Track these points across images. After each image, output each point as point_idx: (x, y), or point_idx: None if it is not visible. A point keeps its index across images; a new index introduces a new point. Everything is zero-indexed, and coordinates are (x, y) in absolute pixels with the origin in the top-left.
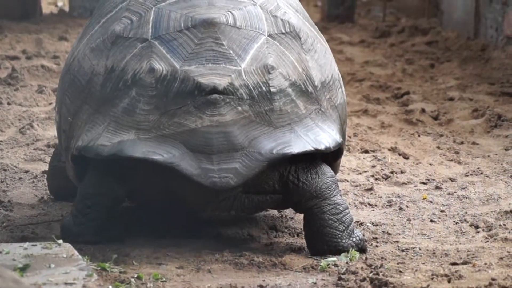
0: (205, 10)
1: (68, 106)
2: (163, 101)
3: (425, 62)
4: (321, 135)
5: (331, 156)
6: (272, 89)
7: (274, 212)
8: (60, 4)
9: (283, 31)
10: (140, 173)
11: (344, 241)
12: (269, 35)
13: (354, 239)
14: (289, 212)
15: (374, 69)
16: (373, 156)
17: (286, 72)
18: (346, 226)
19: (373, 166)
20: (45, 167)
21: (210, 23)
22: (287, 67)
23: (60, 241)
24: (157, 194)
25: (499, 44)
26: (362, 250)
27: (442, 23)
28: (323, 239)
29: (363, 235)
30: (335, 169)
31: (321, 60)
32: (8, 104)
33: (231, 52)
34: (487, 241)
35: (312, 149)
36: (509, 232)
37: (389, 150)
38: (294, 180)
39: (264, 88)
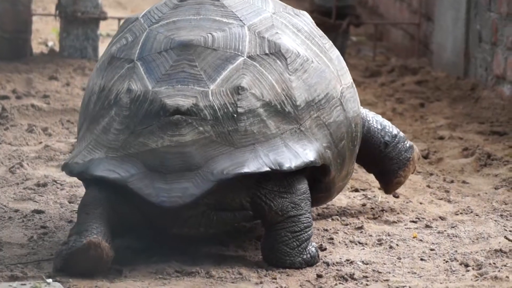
0: (186, 32)
1: (78, 122)
2: (133, 121)
3: (415, 102)
4: (285, 155)
5: (320, 173)
6: (240, 110)
7: None
8: (50, 44)
9: (267, 52)
10: (118, 193)
11: (293, 258)
12: (249, 56)
13: (305, 257)
14: None
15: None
16: (363, 195)
17: (260, 93)
18: (299, 243)
19: (363, 205)
20: (35, 206)
21: (186, 45)
22: (262, 88)
23: (50, 281)
24: (132, 213)
25: (488, 84)
26: (311, 264)
27: (432, 63)
28: (275, 254)
29: (316, 250)
30: (330, 186)
31: (311, 80)
32: None
33: (202, 73)
34: (477, 280)
35: (268, 169)
36: (499, 271)
37: (379, 189)
38: (262, 197)
39: (230, 108)
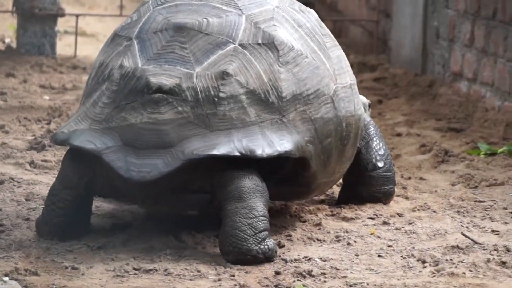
0: (183, 16)
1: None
2: (119, 96)
3: (373, 98)
4: (259, 142)
5: (300, 166)
6: (221, 95)
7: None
8: (7, 40)
9: (259, 42)
10: (94, 165)
11: (249, 245)
12: (240, 44)
13: (262, 247)
14: None
15: None
16: None
17: (245, 80)
18: (255, 231)
19: (321, 202)
20: None
21: (180, 27)
22: (248, 76)
23: (6, 279)
24: (104, 185)
25: (446, 80)
26: (268, 259)
27: (390, 60)
28: (230, 240)
29: (274, 246)
30: (310, 181)
31: (302, 74)
32: None
33: (191, 56)
34: (434, 276)
35: (238, 154)
36: (456, 267)
37: (337, 185)
38: (221, 180)
39: (212, 92)
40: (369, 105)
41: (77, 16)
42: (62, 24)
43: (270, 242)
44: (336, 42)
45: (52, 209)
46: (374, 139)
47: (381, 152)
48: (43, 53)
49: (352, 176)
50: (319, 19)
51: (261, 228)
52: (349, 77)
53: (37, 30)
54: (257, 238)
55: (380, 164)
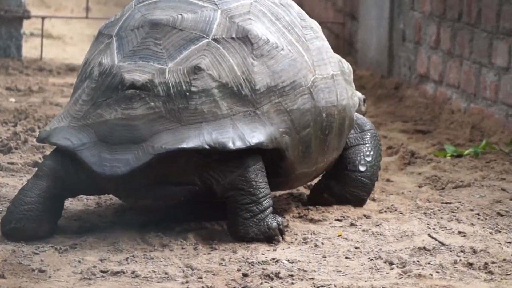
0: (160, 12)
1: None
2: (97, 93)
3: None
4: (229, 135)
5: (276, 157)
6: (193, 89)
7: (190, 250)
8: None
9: (233, 36)
10: (78, 162)
11: (247, 228)
12: (214, 39)
13: (262, 228)
14: (205, 249)
15: None
16: (289, 193)
17: (218, 74)
18: (252, 214)
19: (288, 204)
20: None
21: (155, 23)
22: (221, 70)
23: None
24: (88, 183)
25: (412, 83)
26: (269, 238)
27: (357, 62)
28: (231, 225)
29: (278, 224)
30: (289, 172)
31: (278, 66)
32: None
33: (164, 52)
34: (401, 278)
35: (207, 147)
36: (423, 268)
37: (304, 187)
38: (210, 172)
39: (184, 87)
40: (364, 100)
41: (43, 18)
42: (28, 26)
43: (272, 222)
44: (319, 34)
45: (20, 198)
46: (367, 145)
47: (369, 158)
48: (9, 55)
49: (331, 170)
50: (301, 12)
51: (258, 210)
52: (331, 68)
53: (2, 32)
54: (255, 220)
55: (362, 168)
